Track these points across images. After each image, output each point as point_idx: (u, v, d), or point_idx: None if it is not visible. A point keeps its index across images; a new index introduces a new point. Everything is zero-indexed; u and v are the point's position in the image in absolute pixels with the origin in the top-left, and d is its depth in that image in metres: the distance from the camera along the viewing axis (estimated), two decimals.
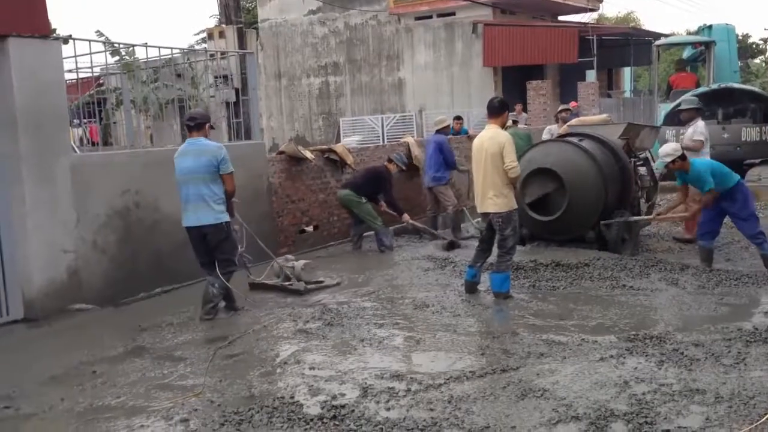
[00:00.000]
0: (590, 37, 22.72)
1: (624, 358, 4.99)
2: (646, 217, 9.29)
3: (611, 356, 5.02)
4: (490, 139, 6.73)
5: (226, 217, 6.48)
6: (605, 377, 4.63)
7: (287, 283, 7.46)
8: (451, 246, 9.47)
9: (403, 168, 10.36)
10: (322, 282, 7.63)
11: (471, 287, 7.01)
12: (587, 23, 26.83)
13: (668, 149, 7.86)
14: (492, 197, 6.73)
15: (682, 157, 7.73)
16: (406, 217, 9.96)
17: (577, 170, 8.71)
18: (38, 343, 6.20)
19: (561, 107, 12.56)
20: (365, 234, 9.94)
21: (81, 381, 5.09)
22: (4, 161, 6.58)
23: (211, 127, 6.78)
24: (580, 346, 5.28)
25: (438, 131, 10.85)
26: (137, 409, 4.55)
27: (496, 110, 6.90)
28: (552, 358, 5.05)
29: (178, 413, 4.40)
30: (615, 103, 24.09)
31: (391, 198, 9.89)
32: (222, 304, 6.63)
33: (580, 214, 8.67)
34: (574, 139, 9.24)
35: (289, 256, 7.85)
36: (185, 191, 6.45)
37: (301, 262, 7.69)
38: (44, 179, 6.71)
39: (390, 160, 10.17)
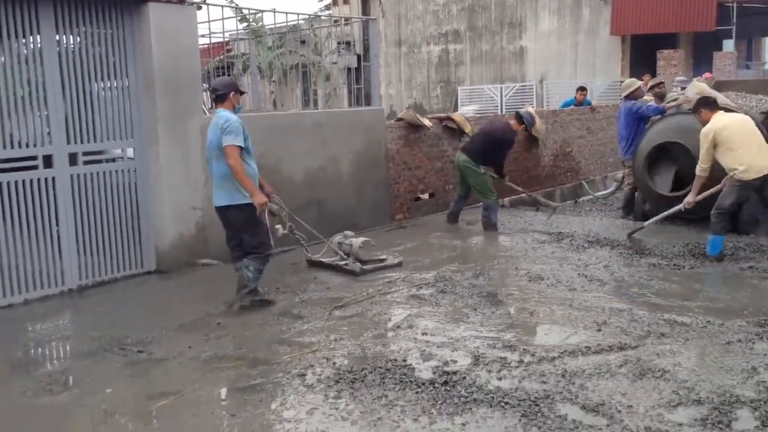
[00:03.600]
0: (730, 5, 21.29)
1: (753, 343, 4.74)
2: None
3: (739, 340, 4.78)
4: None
5: (240, 198, 5.77)
6: (732, 362, 4.42)
7: (343, 263, 7.02)
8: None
9: (529, 129, 9.41)
10: (383, 260, 7.17)
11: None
12: None
13: None
14: None
15: None
16: (505, 181, 9.39)
17: None
18: (168, 294, 6.60)
19: (652, 81, 11.60)
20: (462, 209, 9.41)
21: (206, 331, 5.39)
22: (143, 121, 6.98)
23: (240, 93, 6.06)
24: (704, 329, 5.05)
25: (627, 97, 9.66)
26: (257, 360, 4.76)
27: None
28: (674, 339, 4.86)
29: (295, 368, 4.57)
30: (754, 74, 22.53)
31: (502, 160, 9.11)
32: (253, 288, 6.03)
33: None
34: None
35: (348, 233, 7.37)
36: (209, 167, 6.02)
37: (360, 239, 7.17)
38: (178, 139, 7.06)
39: (519, 116, 9.16)
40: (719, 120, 7.21)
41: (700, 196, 7.34)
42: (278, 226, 6.44)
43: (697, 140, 8.35)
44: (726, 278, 6.45)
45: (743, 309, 5.53)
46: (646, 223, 8.12)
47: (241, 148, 5.65)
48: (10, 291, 6.20)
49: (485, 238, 8.52)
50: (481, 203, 9.07)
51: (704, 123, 7.30)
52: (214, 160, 5.79)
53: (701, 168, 7.23)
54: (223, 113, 5.78)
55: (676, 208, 7.67)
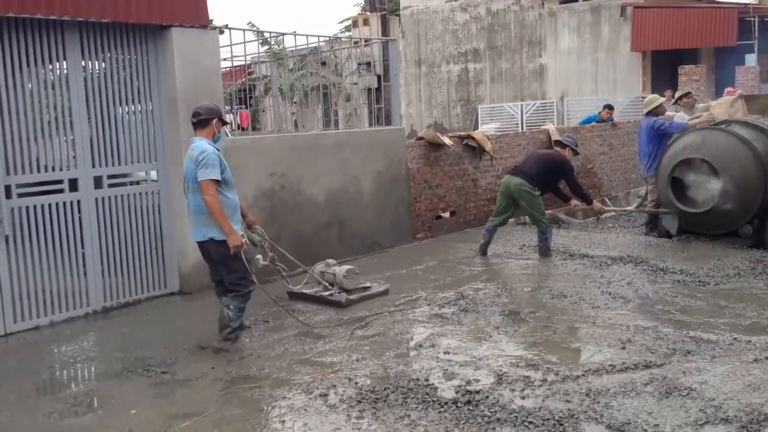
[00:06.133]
0: (751, 19, 21.15)
1: None
2: None
3: (766, 357, 4.70)
4: None
5: (219, 233, 5.38)
6: (759, 379, 4.34)
7: (327, 293, 6.66)
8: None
9: (577, 151, 8.95)
10: (367, 288, 6.80)
11: None
12: (748, 4, 24.98)
13: None
14: None
15: None
16: (597, 205, 8.69)
17: (733, 160, 8.22)
18: (191, 315, 6.63)
19: (680, 92, 11.51)
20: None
21: (229, 352, 5.42)
22: (167, 144, 7.08)
23: (223, 123, 5.78)
24: (731, 346, 4.98)
25: (648, 113, 9.49)
26: (280, 381, 4.77)
27: None
28: (700, 357, 4.79)
29: (317, 388, 4.57)
30: None
31: (578, 185, 8.57)
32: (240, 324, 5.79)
33: (735, 206, 8.18)
34: (730, 127, 8.70)
35: (330, 261, 7.00)
36: (186, 199, 5.63)
37: (344, 268, 6.76)
38: None
39: (562, 145, 8.70)
40: None
41: None
42: (259, 257, 6.18)
43: (720, 155, 8.28)
44: (752, 294, 6.36)
45: None
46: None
47: (217, 181, 5.32)
48: (36, 313, 6.28)
49: (506, 256, 8.48)
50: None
51: None
52: (191, 192, 5.45)
53: None
54: (199, 143, 5.42)
55: None
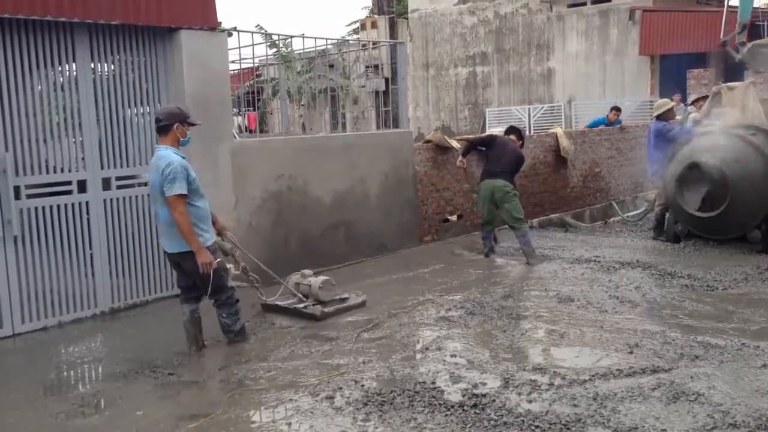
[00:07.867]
0: (760, 23, 21.07)
1: None
2: None
3: None
4: None
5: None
6: (767, 384, 4.32)
7: (302, 305, 6.38)
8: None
9: (523, 143, 9.02)
10: (345, 299, 6.55)
11: None
12: (757, 8, 24.87)
13: None
14: None
15: None
16: None
17: (742, 164, 8.20)
18: None
19: (696, 95, 11.49)
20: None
21: (236, 353, 5.42)
22: None
23: (190, 124, 5.40)
24: (739, 351, 4.95)
25: (658, 117, 9.46)
26: (286, 383, 4.77)
27: None
28: (708, 362, 4.77)
29: (323, 390, 4.57)
30: None
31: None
32: (243, 324, 5.75)
33: (744, 211, 8.15)
34: (741, 131, 8.67)
35: (306, 272, 6.69)
36: (154, 209, 5.43)
37: (320, 278, 6.49)
38: (208, 164, 7.15)
39: (517, 131, 8.91)
40: None
41: None
42: (230, 266, 5.95)
43: (729, 159, 8.24)
44: (760, 299, 6.33)
45: None
46: None
47: (185, 195, 5.13)
48: (44, 314, 6.31)
49: (514, 259, 8.47)
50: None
51: None
52: (159, 204, 5.23)
53: None
54: (164, 153, 5.19)
55: None
